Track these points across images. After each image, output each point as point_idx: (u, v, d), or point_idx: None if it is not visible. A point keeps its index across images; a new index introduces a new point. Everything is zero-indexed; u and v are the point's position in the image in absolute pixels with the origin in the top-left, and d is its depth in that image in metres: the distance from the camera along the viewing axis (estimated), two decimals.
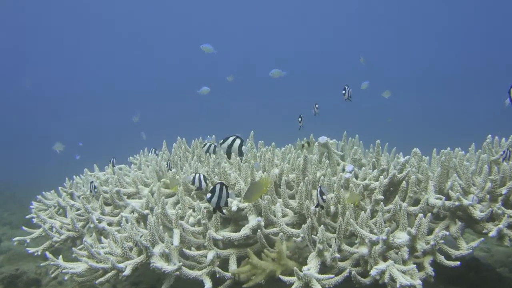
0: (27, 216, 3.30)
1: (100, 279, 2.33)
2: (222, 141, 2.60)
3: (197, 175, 2.79)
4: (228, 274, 2.43)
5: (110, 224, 2.89)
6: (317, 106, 3.93)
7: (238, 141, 2.56)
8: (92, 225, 2.77)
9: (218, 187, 2.18)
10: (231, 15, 29.72)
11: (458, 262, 2.31)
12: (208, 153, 3.63)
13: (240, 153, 2.58)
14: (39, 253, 2.82)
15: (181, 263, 2.34)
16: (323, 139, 3.43)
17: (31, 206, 3.37)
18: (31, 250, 2.84)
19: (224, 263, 2.59)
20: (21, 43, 29.14)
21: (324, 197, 2.38)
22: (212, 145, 3.43)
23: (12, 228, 6.97)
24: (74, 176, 3.85)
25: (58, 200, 3.18)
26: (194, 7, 29.40)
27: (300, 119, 3.88)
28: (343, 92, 3.73)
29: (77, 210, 3.10)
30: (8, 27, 27.75)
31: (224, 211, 2.80)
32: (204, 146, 3.59)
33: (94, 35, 29.84)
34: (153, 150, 4.16)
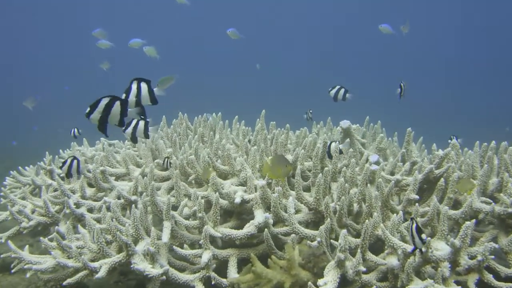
0: None
1: (69, 280, 1.89)
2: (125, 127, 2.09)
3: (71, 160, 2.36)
4: (225, 281, 2.00)
5: (90, 210, 2.44)
6: (311, 111, 3.88)
7: (141, 123, 2.10)
8: (68, 211, 2.33)
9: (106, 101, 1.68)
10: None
11: (511, 284, 1.86)
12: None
13: (147, 136, 2.16)
14: (3, 240, 2.38)
15: (168, 267, 1.90)
16: (345, 123, 2.94)
17: (5, 183, 2.94)
18: None
19: (222, 265, 2.16)
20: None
21: (423, 236, 1.67)
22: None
23: None
24: (60, 151, 3.42)
25: (33, 177, 2.72)
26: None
27: (307, 114, 3.88)
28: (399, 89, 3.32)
29: (55, 190, 2.64)
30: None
31: (225, 203, 2.35)
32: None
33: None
34: None
